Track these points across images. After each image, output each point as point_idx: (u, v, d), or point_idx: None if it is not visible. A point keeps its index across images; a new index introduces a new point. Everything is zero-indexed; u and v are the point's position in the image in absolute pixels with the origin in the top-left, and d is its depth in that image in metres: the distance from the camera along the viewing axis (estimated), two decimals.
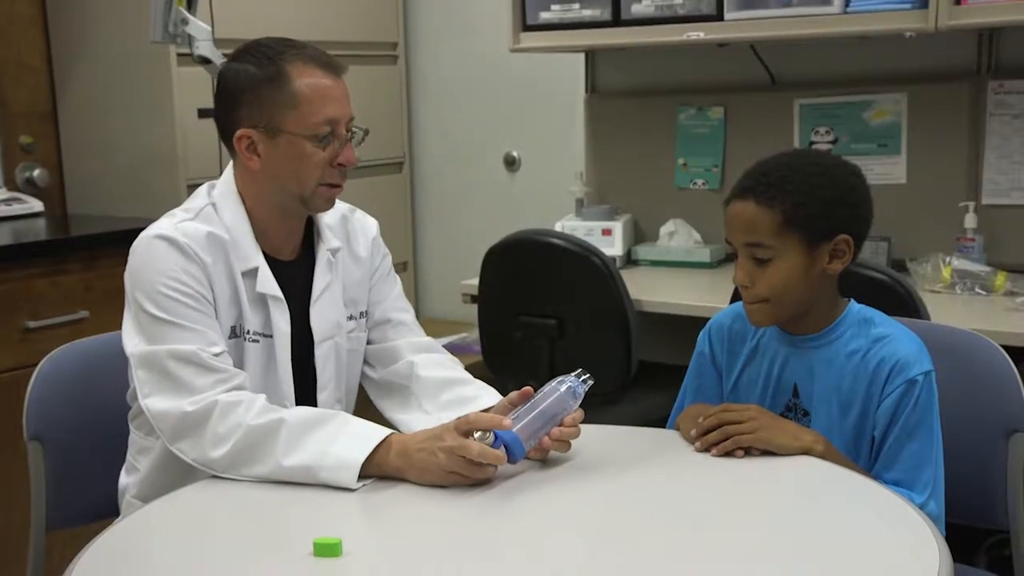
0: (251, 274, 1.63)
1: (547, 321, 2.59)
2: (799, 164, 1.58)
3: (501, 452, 1.43)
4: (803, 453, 1.51)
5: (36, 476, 1.76)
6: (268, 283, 1.64)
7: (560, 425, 1.50)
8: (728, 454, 1.51)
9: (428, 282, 3.83)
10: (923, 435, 1.52)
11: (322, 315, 1.70)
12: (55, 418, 1.78)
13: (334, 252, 1.73)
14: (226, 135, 1.65)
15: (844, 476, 1.47)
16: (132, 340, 1.58)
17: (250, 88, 1.60)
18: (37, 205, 3.11)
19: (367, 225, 1.81)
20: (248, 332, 1.63)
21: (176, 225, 1.60)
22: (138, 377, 1.56)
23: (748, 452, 1.51)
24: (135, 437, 1.72)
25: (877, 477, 1.54)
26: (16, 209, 3.05)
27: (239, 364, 1.62)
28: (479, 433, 1.43)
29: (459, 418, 1.47)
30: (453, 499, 1.42)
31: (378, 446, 1.46)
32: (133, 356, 1.57)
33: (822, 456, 1.50)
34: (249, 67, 1.60)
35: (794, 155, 1.63)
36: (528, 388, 1.55)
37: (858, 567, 1.21)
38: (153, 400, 1.54)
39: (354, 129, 1.65)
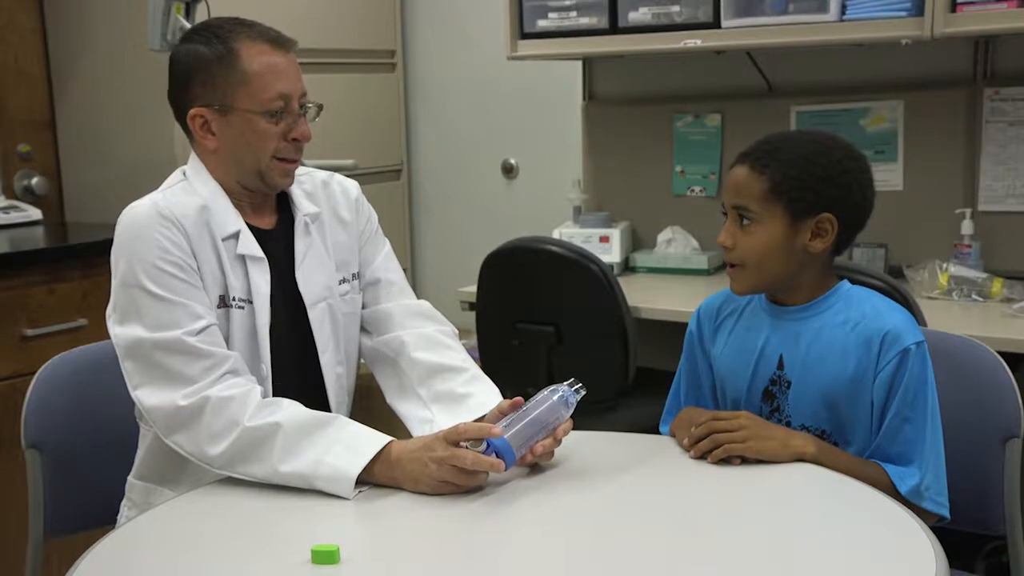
0: (232, 239, 1.63)
1: (545, 328, 2.59)
2: (801, 139, 1.62)
3: (495, 459, 1.43)
4: (795, 459, 1.51)
5: (34, 484, 1.76)
6: (249, 244, 1.64)
7: (552, 434, 1.50)
8: (724, 461, 1.51)
9: (426, 289, 3.84)
10: (920, 408, 1.53)
11: (309, 278, 1.70)
12: (53, 426, 1.78)
13: (312, 217, 1.73)
14: (180, 116, 1.66)
15: (839, 481, 1.47)
16: (111, 319, 1.57)
17: (201, 68, 1.61)
18: (35, 213, 3.12)
19: (347, 188, 1.82)
20: (234, 299, 1.63)
21: (155, 197, 1.61)
22: (125, 368, 1.56)
23: (744, 458, 1.51)
24: (143, 429, 1.72)
25: (878, 451, 1.54)
26: (14, 217, 3.05)
27: (226, 333, 1.62)
28: (471, 442, 1.43)
29: (449, 429, 1.47)
30: (450, 506, 1.42)
31: (378, 457, 1.46)
32: (118, 347, 1.56)
33: (815, 458, 1.51)
34: (199, 47, 1.62)
35: (801, 132, 1.67)
36: (519, 398, 1.55)
37: (853, 573, 1.21)
38: (144, 392, 1.54)
39: (307, 104, 1.66)
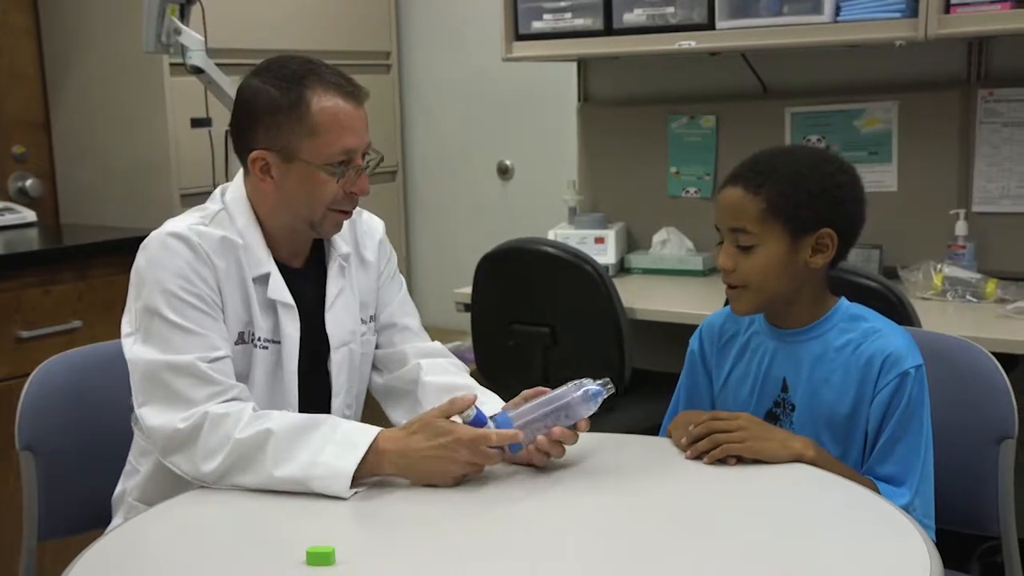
0: (262, 280, 1.63)
1: (540, 329, 2.59)
2: (792, 156, 1.61)
3: (513, 431, 1.44)
4: (793, 460, 1.51)
5: (28, 486, 1.75)
6: (280, 290, 1.64)
7: (574, 427, 1.50)
8: (720, 462, 1.52)
9: (421, 290, 3.84)
10: (914, 430, 1.53)
11: (337, 321, 1.70)
12: (47, 428, 1.78)
13: (345, 258, 1.73)
14: (240, 151, 1.65)
15: (835, 483, 1.47)
16: (129, 339, 1.57)
17: (269, 111, 1.58)
18: (30, 215, 3.11)
19: (374, 227, 1.81)
20: (259, 339, 1.63)
21: (190, 226, 1.60)
22: (133, 383, 1.56)
23: (740, 459, 1.52)
24: (138, 439, 1.72)
25: (870, 471, 1.55)
26: (9, 219, 3.05)
27: (247, 370, 1.62)
28: (465, 413, 1.45)
29: (430, 411, 1.49)
30: (447, 507, 1.42)
31: (369, 449, 1.46)
32: (131, 362, 1.56)
33: (812, 462, 1.51)
34: (271, 89, 1.59)
35: (790, 148, 1.67)
36: (542, 388, 1.54)
37: (848, 574, 1.21)
38: (147, 411, 1.54)
39: (370, 152, 1.65)
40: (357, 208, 1.78)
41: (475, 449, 1.44)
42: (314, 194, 1.60)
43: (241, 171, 1.69)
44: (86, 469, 1.81)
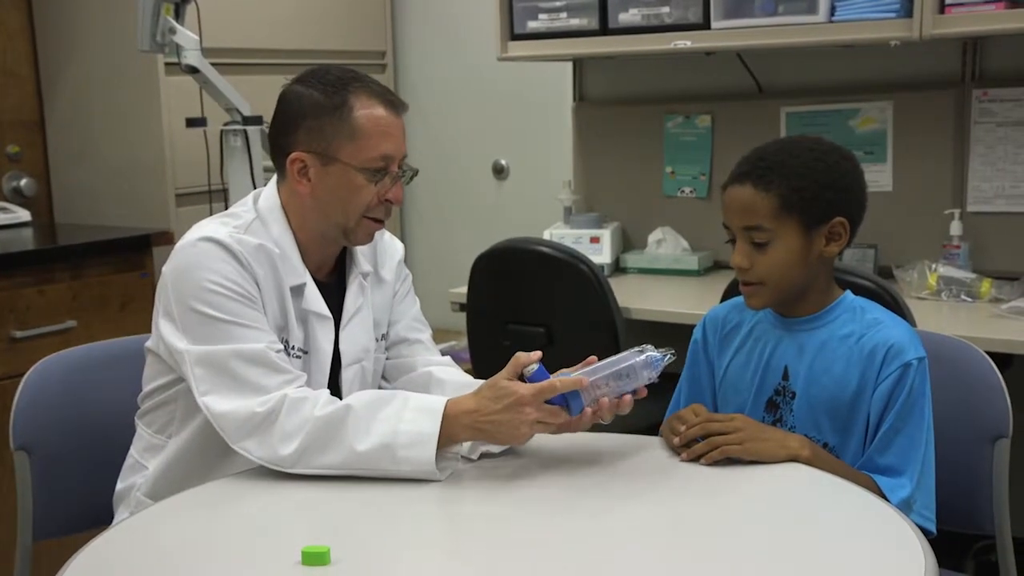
0: (298, 290, 1.64)
1: (535, 329, 2.59)
2: (795, 149, 1.62)
3: (577, 378, 1.46)
4: (790, 460, 1.51)
5: (23, 486, 1.75)
6: (316, 301, 1.65)
7: (634, 394, 1.51)
8: (716, 462, 1.52)
9: (417, 290, 3.82)
10: (915, 422, 1.54)
11: (352, 338, 1.70)
12: (42, 428, 1.77)
13: (365, 276, 1.74)
14: (278, 155, 1.65)
15: (831, 483, 1.47)
16: (181, 342, 1.56)
17: (312, 113, 1.60)
18: (24, 214, 3.11)
19: (394, 248, 1.83)
20: (292, 347, 1.63)
21: (230, 234, 1.59)
22: (194, 374, 1.54)
23: (736, 460, 1.52)
24: (143, 434, 1.71)
25: (869, 461, 1.55)
26: (3, 219, 3.05)
27: None
28: (527, 368, 1.48)
29: (499, 376, 1.49)
30: (441, 507, 1.42)
31: (443, 415, 1.48)
32: (189, 353, 1.55)
33: (808, 461, 1.51)
34: (314, 92, 1.60)
35: (789, 141, 1.67)
36: (592, 357, 1.55)
37: (843, 573, 1.21)
38: (213, 399, 1.52)
39: (406, 168, 1.66)
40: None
41: (539, 405, 1.46)
42: (350, 198, 1.61)
43: (273, 179, 1.69)
44: (81, 469, 1.80)
